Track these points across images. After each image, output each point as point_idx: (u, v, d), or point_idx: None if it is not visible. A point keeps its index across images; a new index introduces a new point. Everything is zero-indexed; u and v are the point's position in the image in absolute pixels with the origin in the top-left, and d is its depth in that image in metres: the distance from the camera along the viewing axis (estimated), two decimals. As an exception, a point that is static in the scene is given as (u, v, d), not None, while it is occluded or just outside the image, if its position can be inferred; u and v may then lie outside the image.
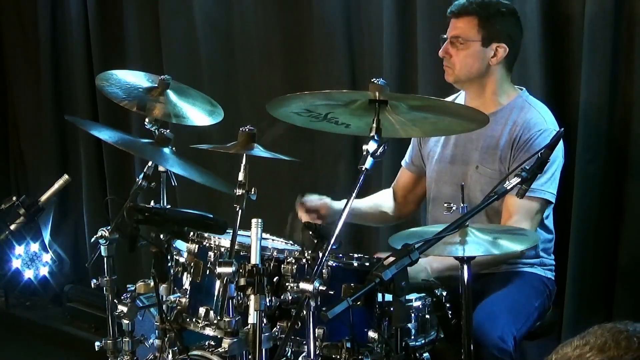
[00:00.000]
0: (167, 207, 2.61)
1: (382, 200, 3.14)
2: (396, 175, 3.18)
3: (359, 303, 1.96)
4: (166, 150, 2.57)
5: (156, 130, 2.66)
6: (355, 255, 2.38)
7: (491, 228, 2.36)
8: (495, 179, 2.65)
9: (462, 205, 2.25)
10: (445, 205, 2.30)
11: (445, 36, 2.79)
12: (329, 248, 2.13)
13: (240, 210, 2.31)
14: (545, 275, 2.86)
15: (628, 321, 1.15)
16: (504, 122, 2.77)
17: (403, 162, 3.14)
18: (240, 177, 2.34)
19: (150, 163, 2.61)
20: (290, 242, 2.56)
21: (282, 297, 2.28)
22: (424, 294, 2.40)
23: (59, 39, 5.05)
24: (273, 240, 2.61)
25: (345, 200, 2.20)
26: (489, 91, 2.81)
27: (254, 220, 2.24)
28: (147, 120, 2.71)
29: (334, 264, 2.31)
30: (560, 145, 2.67)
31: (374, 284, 1.94)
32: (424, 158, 3.02)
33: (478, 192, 2.75)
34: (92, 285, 2.60)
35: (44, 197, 2.71)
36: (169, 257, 2.48)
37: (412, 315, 2.37)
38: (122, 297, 2.57)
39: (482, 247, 2.20)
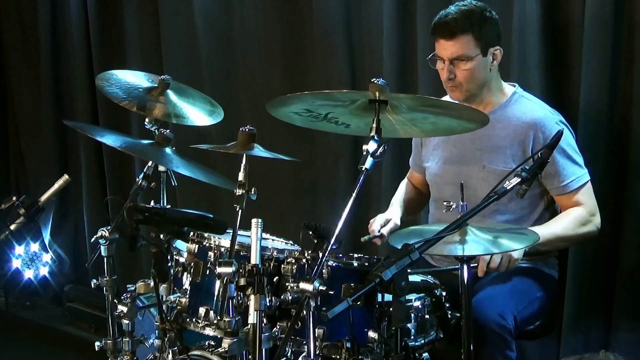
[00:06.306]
0: (167, 207, 2.61)
1: (410, 185, 3.15)
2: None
3: (359, 303, 1.97)
4: (168, 150, 2.57)
5: (156, 130, 2.66)
6: (355, 255, 2.38)
7: (491, 227, 2.36)
8: None
9: (461, 203, 2.25)
10: (445, 203, 2.30)
11: (436, 57, 2.76)
12: (329, 248, 2.13)
13: (240, 210, 2.31)
14: (549, 272, 2.86)
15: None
16: (507, 120, 2.77)
17: (410, 162, 3.15)
18: (240, 177, 2.34)
19: (150, 163, 2.61)
20: (291, 242, 2.57)
21: (282, 297, 2.28)
22: (423, 294, 2.41)
23: (59, 39, 5.05)
24: (273, 240, 2.61)
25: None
26: (488, 92, 2.81)
27: (254, 220, 2.25)
28: (147, 120, 2.71)
29: (334, 264, 2.31)
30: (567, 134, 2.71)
31: (374, 284, 1.94)
32: (424, 159, 3.02)
33: (485, 191, 2.74)
34: (92, 285, 2.60)
35: (44, 197, 2.71)
36: (169, 257, 2.48)
37: (412, 315, 2.38)
38: (122, 297, 2.57)
39: (482, 246, 2.20)
